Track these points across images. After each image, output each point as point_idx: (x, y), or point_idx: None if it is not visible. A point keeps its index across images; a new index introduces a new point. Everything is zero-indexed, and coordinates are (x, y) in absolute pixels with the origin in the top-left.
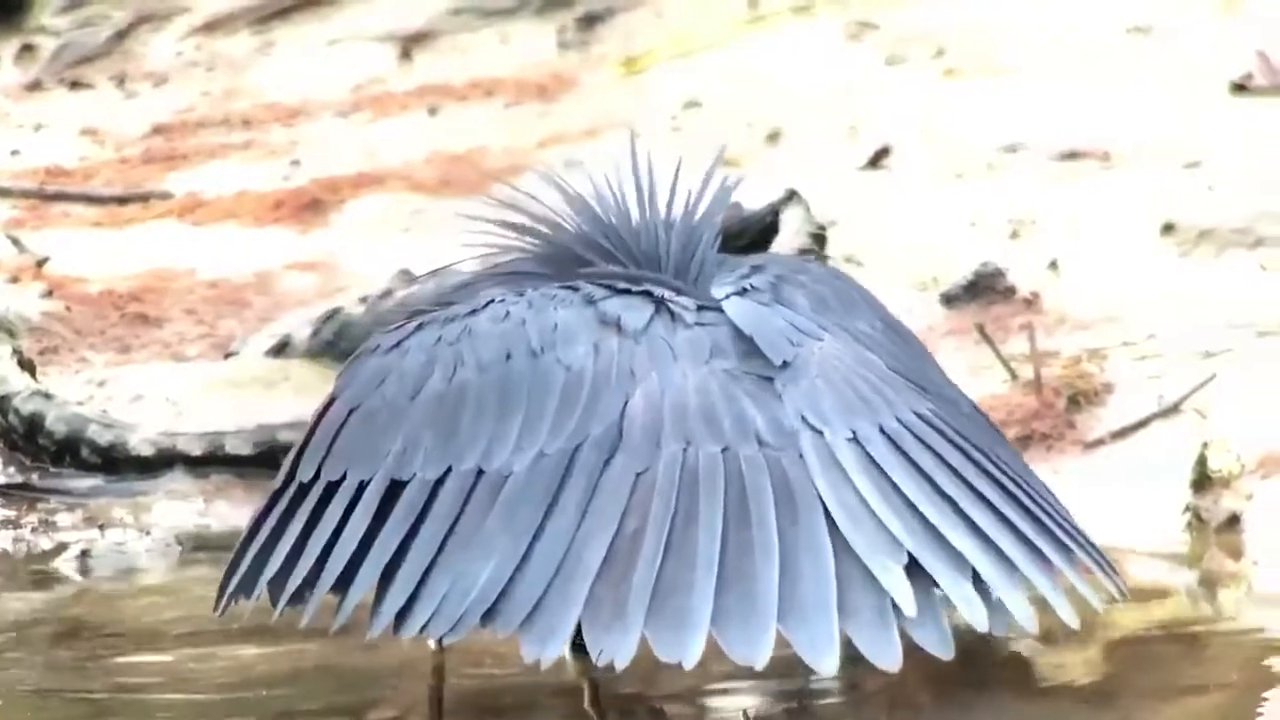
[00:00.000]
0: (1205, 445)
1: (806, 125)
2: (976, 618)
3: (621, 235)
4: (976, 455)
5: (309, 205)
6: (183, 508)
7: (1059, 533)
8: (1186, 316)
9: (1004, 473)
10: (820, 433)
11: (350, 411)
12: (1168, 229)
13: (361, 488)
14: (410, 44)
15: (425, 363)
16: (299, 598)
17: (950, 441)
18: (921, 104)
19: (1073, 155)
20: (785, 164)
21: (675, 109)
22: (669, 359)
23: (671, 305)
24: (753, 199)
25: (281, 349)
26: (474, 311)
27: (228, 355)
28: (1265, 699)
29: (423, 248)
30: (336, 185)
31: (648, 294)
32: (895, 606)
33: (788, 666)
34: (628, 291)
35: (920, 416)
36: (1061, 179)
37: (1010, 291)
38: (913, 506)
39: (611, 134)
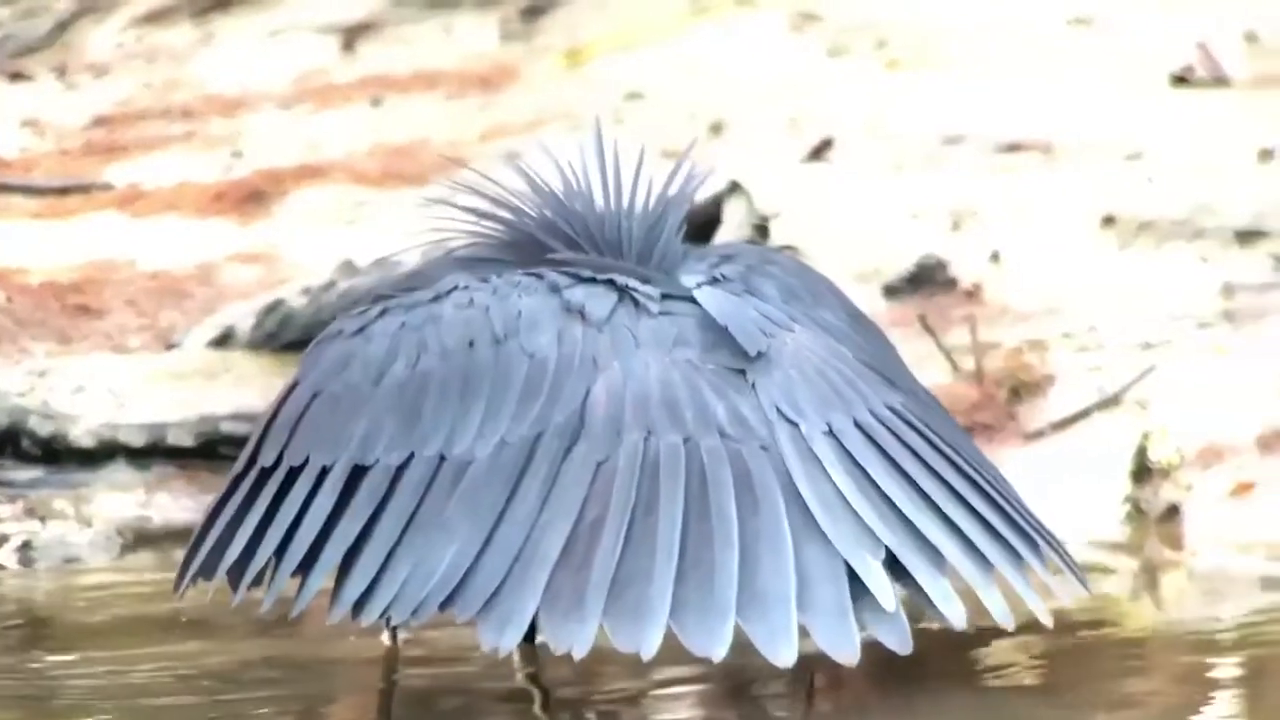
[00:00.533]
0: (1145, 436)
1: (749, 117)
2: (954, 614)
3: (585, 221)
4: (946, 449)
5: (251, 196)
6: (124, 499)
7: (1028, 529)
8: (1127, 308)
9: (972, 468)
10: (796, 425)
11: (313, 396)
12: (1108, 221)
13: (324, 473)
14: (353, 35)
15: (389, 348)
16: (259, 582)
17: (921, 435)
18: (864, 96)
19: (1014, 147)
20: (728, 155)
21: (618, 100)
22: (632, 348)
23: (635, 294)
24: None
25: (224, 340)
26: (438, 298)
27: (169, 347)
28: (1205, 689)
29: (365, 239)
30: (278, 176)
31: (611, 283)
32: (854, 600)
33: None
34: (592, 280)
35: (892, 410)
36: (1003, 171)
37: (952, 283)
38: (889, 501)
39: (554, 126)
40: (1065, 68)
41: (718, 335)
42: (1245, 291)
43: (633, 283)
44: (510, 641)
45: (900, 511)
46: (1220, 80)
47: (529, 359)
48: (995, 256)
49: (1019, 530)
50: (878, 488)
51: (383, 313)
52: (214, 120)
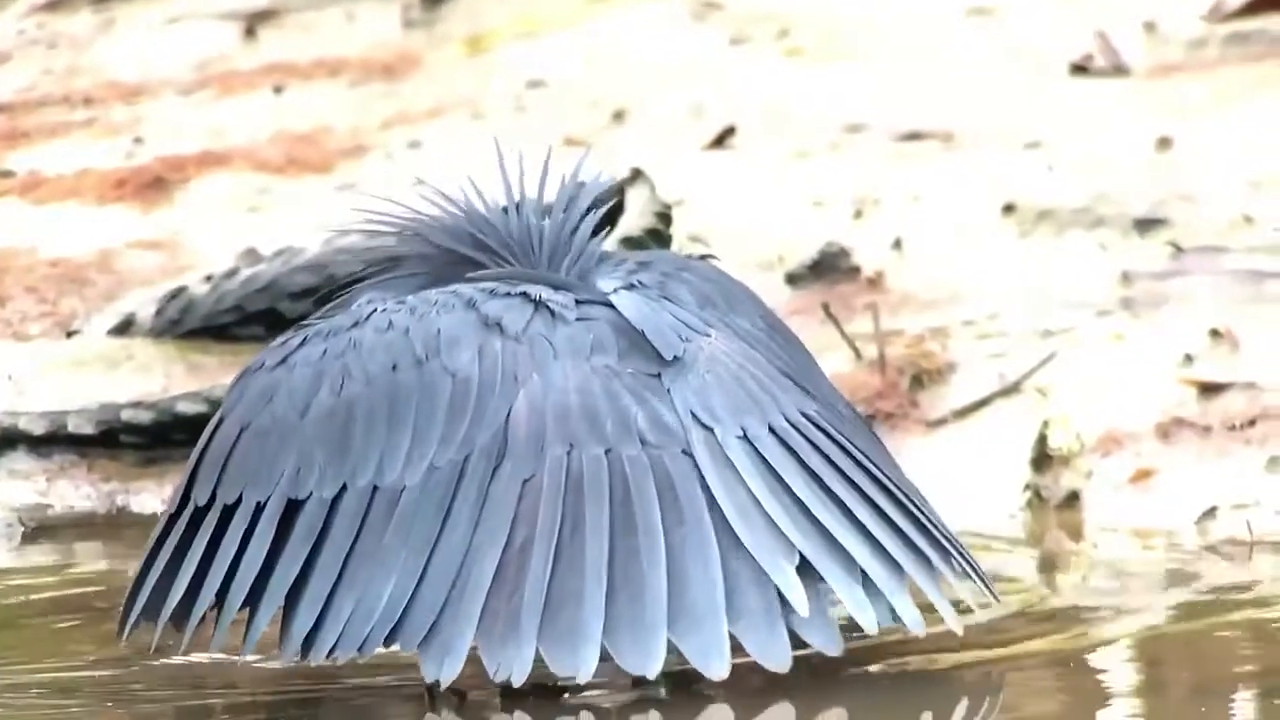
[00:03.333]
0: (1045, 424)
1: (651, 104)
2: (867, 620)
3: (496, 229)
4: (860, 457)
5: (152, 184)
6: (24, 487)
7: (939, 537)
8: (1027, 296)
9: (885, 475)
10: (711, 430)
11: (241, 430)
12: (1009, 209)
13: (259, 509)
14: (255, 21)
15: (313, 377)
16: (203, 622)
17: (835, 443)
18: (766, 84)
19: (915, 136)
20: (630, 143)
21: (520, 88)
22: (550, 358)
23: (550, 304)
24: (602, 174)
25: (125, 328)
26: (357, 323)
27: (70, 334)
28: (1105, 672)
29: (268, 226)
30: (180, 164)
31: (525, 294)
32: (784, 606)
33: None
34: (507, 293)
35: (806, 416)
36: (904, 159)
37: (854, 271)
38: (803, 506)
39: (456, 113)
40: (965, 57)
41: (634, 340)
42: (1144, 279)
43: (546, 292)
44: (450, 673)
45: (814, 517)
46: (1119, 69)
47: (452, 378)
48: (897, 244)
49: (930, 538)
50: (791, 493)
51: (303, 342)
52: (115, 107)
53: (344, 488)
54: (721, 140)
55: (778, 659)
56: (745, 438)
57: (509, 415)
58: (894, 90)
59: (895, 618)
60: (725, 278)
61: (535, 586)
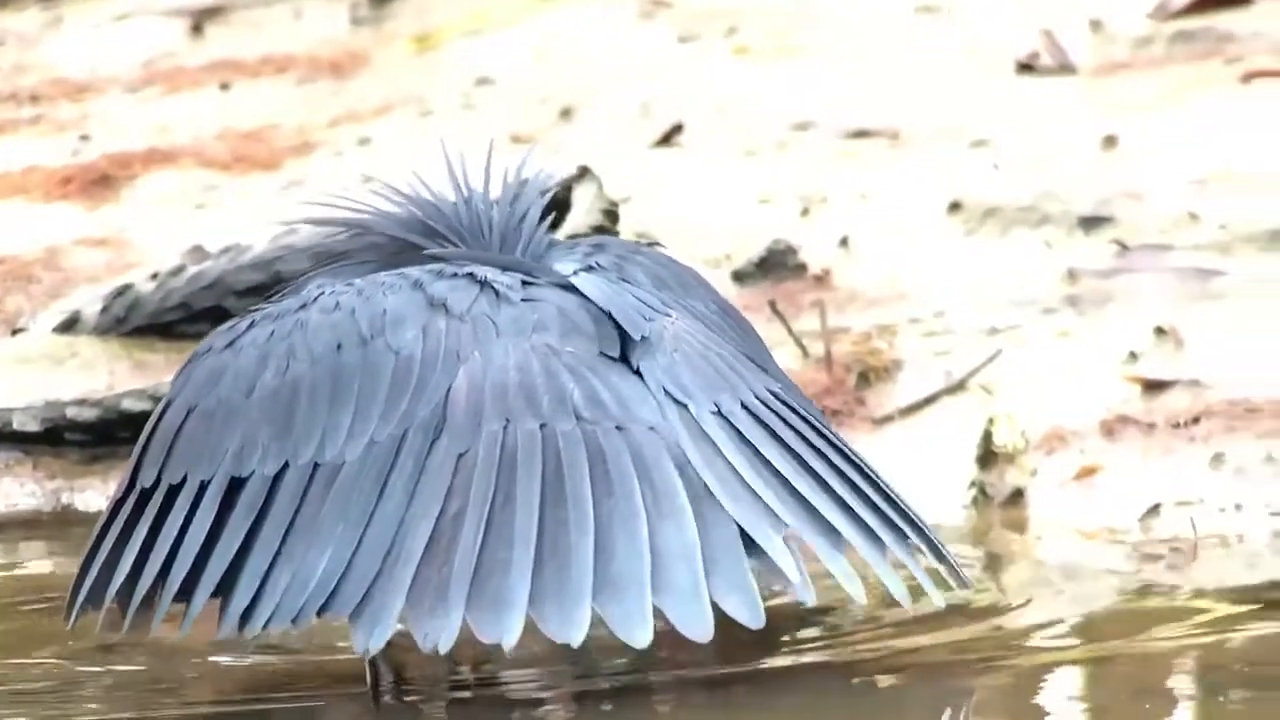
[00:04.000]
0: (991, 421)
1: (599, 102)
2: (855, 590)
3: (446, 217)
4: (827, 433)
5: (99, 181)
6: None
7: (911, 515)
8: (973, 294)
9: (851, 452)
10: (685, 406)
11: (188, 413)
12: (955, 207)
13: (202, 489)
14: (202, 19)
15: (259, 359)
16: (148, 604)
17: (803, 419)
18: (714, 82)
19: (862, 134)
20: (578, 141)
21: (468, 86)
22: (492, 336)
23: (495, 284)
24: (549, 170)
25: (71, 325)
26: (304, 305)
27: (15, 331)
28: (1048, 669)
29: (215, 224)
30: (127, 161)
31: (471, 275)
32: (708, 577)
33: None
34: (454, 274)
35: (773, 394)
36: (851, 157)
37: (801, 268)
38: (783, 479)
39: (404, 111)
40: (913, 55)
41: (576, 320)
42: (1089, 277)
43: (492, 273)
44: (378, 641)
45: (794, 489)
46: (1065, 68)
47: (395, 356)
48: (844, 242)
49: (903, 515)
50: (771, 466)
51: (250, 325)
52: (62, 104)
53: (285, 465)
54: (669, 138)
55: (700, 629)
56: (720, 413)
57: (449, 392)
58: (841, 88)
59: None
60: (675, 263)
61: (465, 556)
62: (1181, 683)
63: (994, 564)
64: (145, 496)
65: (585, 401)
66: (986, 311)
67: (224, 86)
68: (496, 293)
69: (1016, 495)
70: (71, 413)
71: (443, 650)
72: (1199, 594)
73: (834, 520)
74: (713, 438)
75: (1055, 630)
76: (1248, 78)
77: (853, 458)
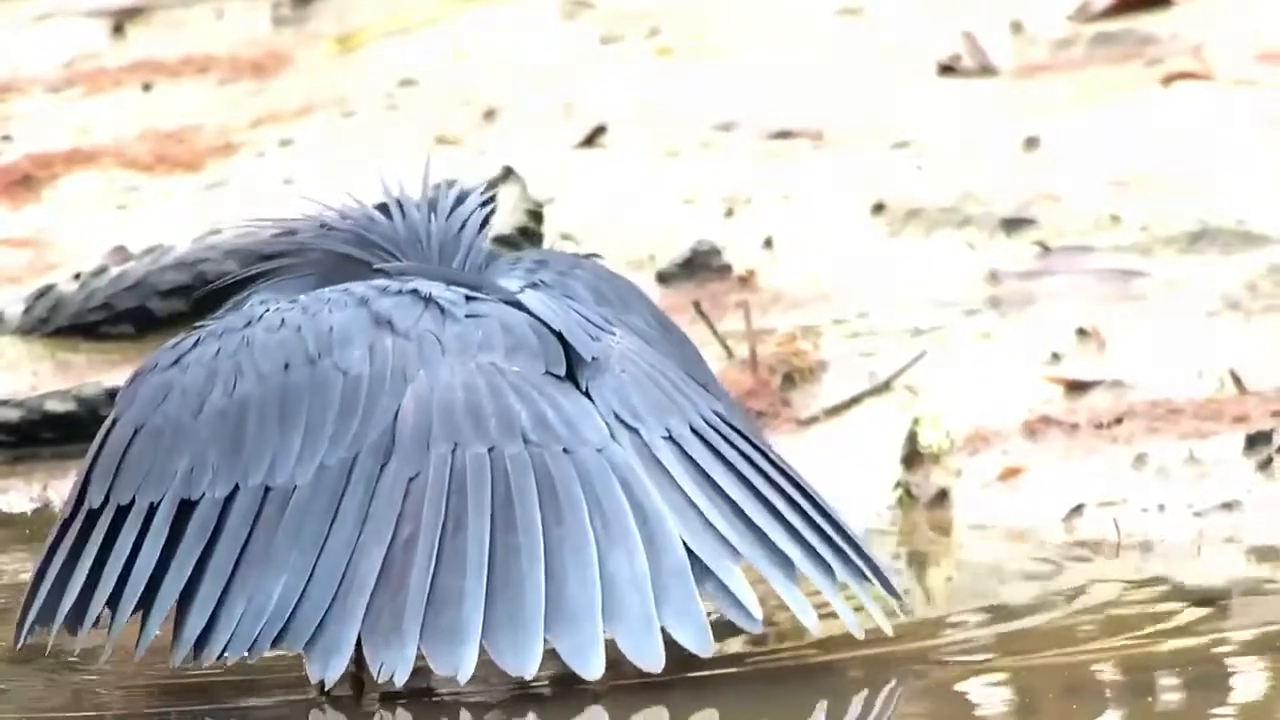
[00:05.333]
0: (915, 421)
1: (522, 103)
2: (809, 621)
3: (381, 227)
4: (771, 456)
5: (20, 181)
6: None
7: (856, 541)
8: (897, 294)
9: (794, 474)
10: (636, 430)
11: (135, 432)
12: (878, 208)
13: (152, 510)
14: (123, 19)
15: (206, 377)
16: (98, 625)
17: (748, 442)
18: (636, 83)
19: (785, 134)
20: (501, 142)
21: (391, 86)
22: (438, 355)
23: (439, 301)
24: (469, 177)
25: None
26: (249, 323)
27: None
28: (971, 673)
29: (137, 224)
30: (49, 161)
31: (415, 292)
32: (658, 605)
33: None
34: (398, 291)
35: (719, 416)
36: (774, 158)
37: (725, 269)
38: (736, 508)
39: (326, 112)
40: (835, 56)
41: (520, 337)
42: (1011, 278)
43: (437, 289)
44: (334, 672)
45: (747, 518)
46: (987, 69)
47: (343, 376)
48: (768, 243)
49: (847, 540)
50: (723, 493)
51: (196, 342)
52: None
53: (236, 488)
54: (592, 139)
55: (651, 659)
56: (671, 438)
57: (397, 413)
58: (764, 89)
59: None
60: (615, 277)
61: (418, 585)
62: (1107, 683)
63: (919, 565)
64: (93, 516)
65: (532, 423)
66: (910, 312)
67: (146, 87)
68: (441, 309)
69: (941, 496)
70: None
71: (399, 682)
72: (1123, 594)
73: (787, 550)
74: (665, 465)
75: (980, 631)
76: (1168, 80)
77: (797, 480)
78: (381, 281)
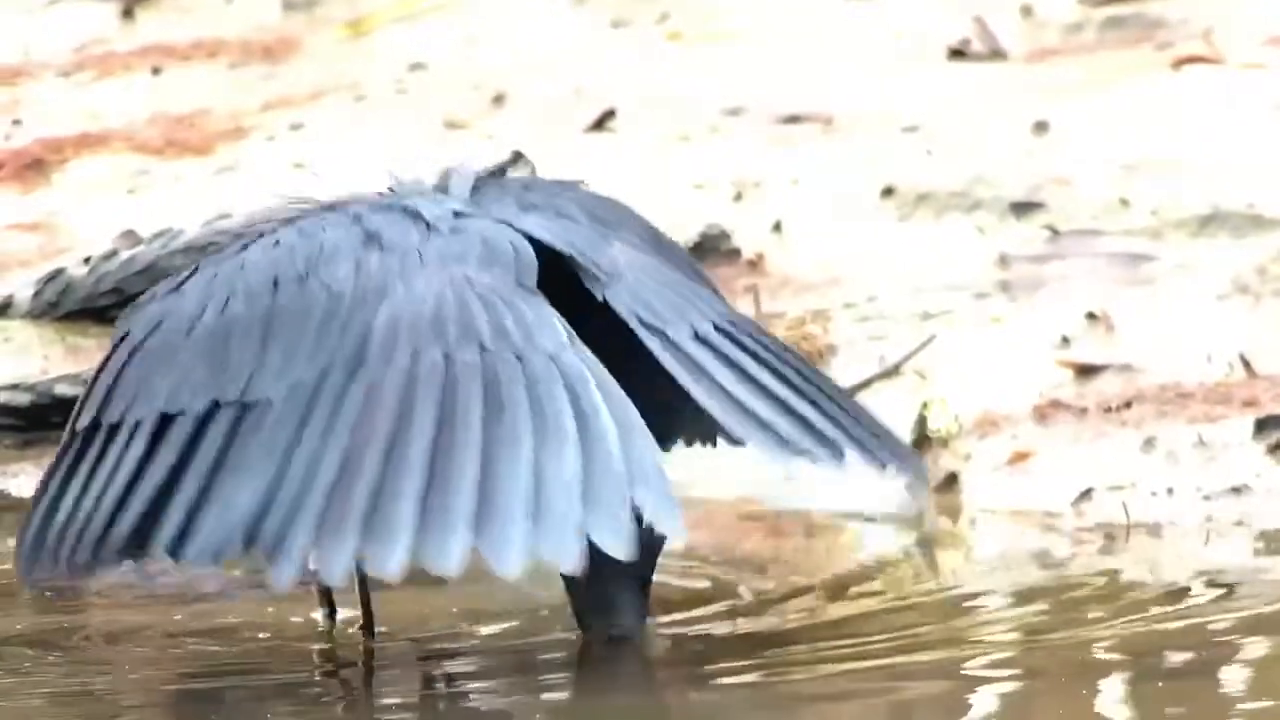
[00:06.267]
0: (925, 405)
1: (532, 87)
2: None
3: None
4: (789, 352)
5: (31, 165)
6: None
7: (886, 429)
8: (907, 278)
9: (814, 371)
10: (663, 332)
11: (130, 354)
12: (888, 192)
13: (138, 427)
14: (132, 3)
15: (200, 299)
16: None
17: (768, 340)
18: (646, 67)
19: (795, 119)
20: (511, 126)
21: (401, 71)
22: (417, 268)
23: (427, 216)
24: (479, 162)
25: (3, 310)
26: (247, 246)
27: None
28: (980, 654)
29: (147, 208)
30: (59, 145)
31: (405, 209)
32: (585, 508)
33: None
34: (388, 207)
35: (732, 318)
36: (784, 142)
37: (735, 254)
38: (776, 398)
39: (336, 96)
40: (845, 41)
41: (496, 250)
42: (1020, 262)
43: (426, 206)
44: (285, 577)
45: (791, 409)
46: (996, 53)
47: (327, 293)
48: (777, 227)
49: (882, 430)
50: (761, 386)
51: (195, 270)
52: None
53: (215, 403)
54: (602, 123)
55: (569, 561)
56: (699, 337)
57: (371, 326)
58: (774, 74)
59: None
60: (604, 197)
61: (363, 488)
62: (1115, 668)
63: (927, 548)
64: (87, 439)
65: (491, 332)
66: (920, 297)
67: (155, 71)
68: (428, 225)
69: (950, 480)
70: (4, 398)
71: (337, 583)
72: (1132, 579)
73: (835, 437)
74: (699, 361)
75: (988, 616)
76: (1178, 63)
77: (819, 375)
78: (378, 199)
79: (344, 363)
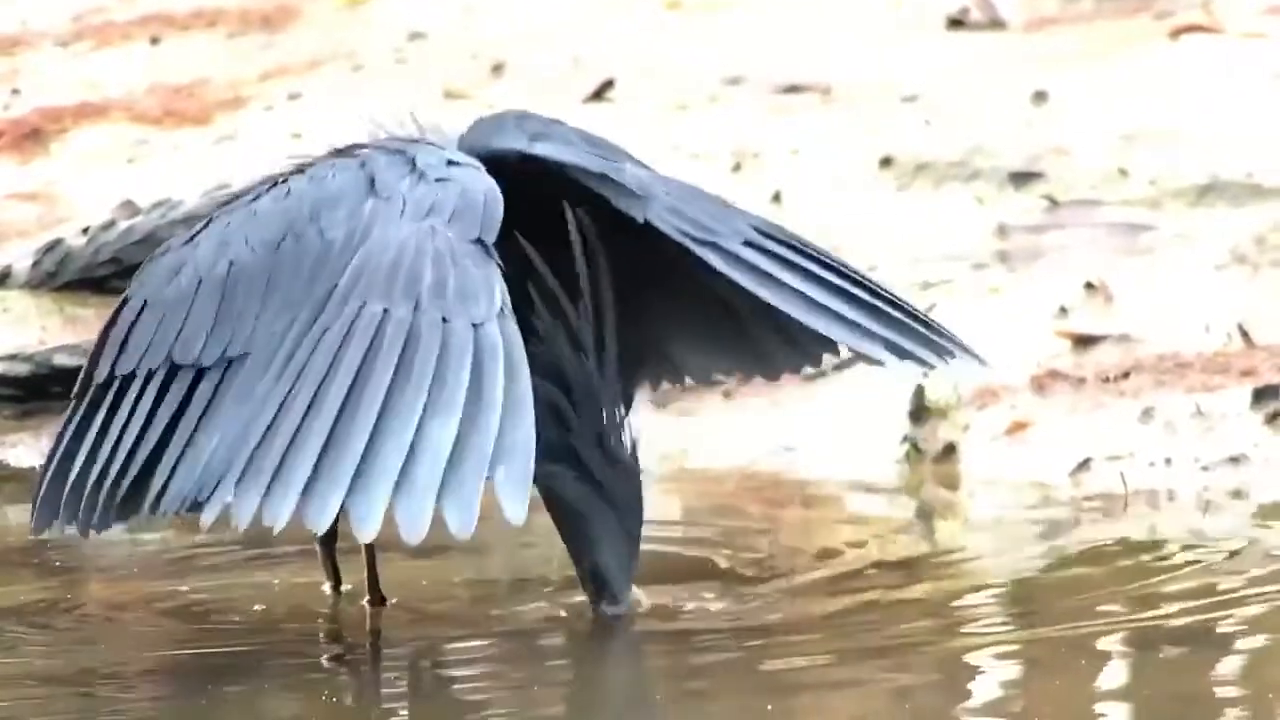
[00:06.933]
0: (923, 376)
1: (531, 57)
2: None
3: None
4: (831, 257)
5: (30, 135)
6: None
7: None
8: (905, 248)
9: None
10: (714, 243)
11: (144, 306)
12: (886, 162)
13: (149, 378)
14: None
15: (216, 249)
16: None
17: (806, 245)
18: (645, 37)
19: (793, 89)
20: (510, 96)
21: (400, 40)
22: (396, 217)
23: (421, 164)
24: None
25: (1, 280)
26: (258, 196)
27: None
28: (977, 622)
29: (146, 178)
30: (58, 115)
31: (402, 153)
32: (446, 479)
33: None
34: (389, 151)
35: (765, 224)
36: (782, 112)
37: None
38: (838, 290)
39: (334, 66)
40: (843, 10)
41: (469, 203)
42: (1019, 232)
43: (423, 153)
44: (207, 519)
45: (856, 299)
46: (995, 23)
47: (321, 239)
48: (777, 197)
49: (927, 320)
50: (824, 281)
51: (209, 222)
52: None
53: (220, 355)
54: (600, 93)
55: (414, 531)
56: (749, 243)
57: (343, 273)
58: (772, 44)
59: None
60: (589, 132)
61: (279, 440)
62: (1115, 638)
63: (926, 519)
64: (101, 391)
65: (431, 290)
66: (918, 267)
67: (154, 41)
68: (421, 174)
69: (949, 450)
70: (3, 368)
71: (238, 526)
72: (1129, 549)
73: (885, 325)
74: (758, 265)
75: (987, 585)
76: (1176, 33)
77: (863, 274)
78: (385, 139)
79: (311, 311)
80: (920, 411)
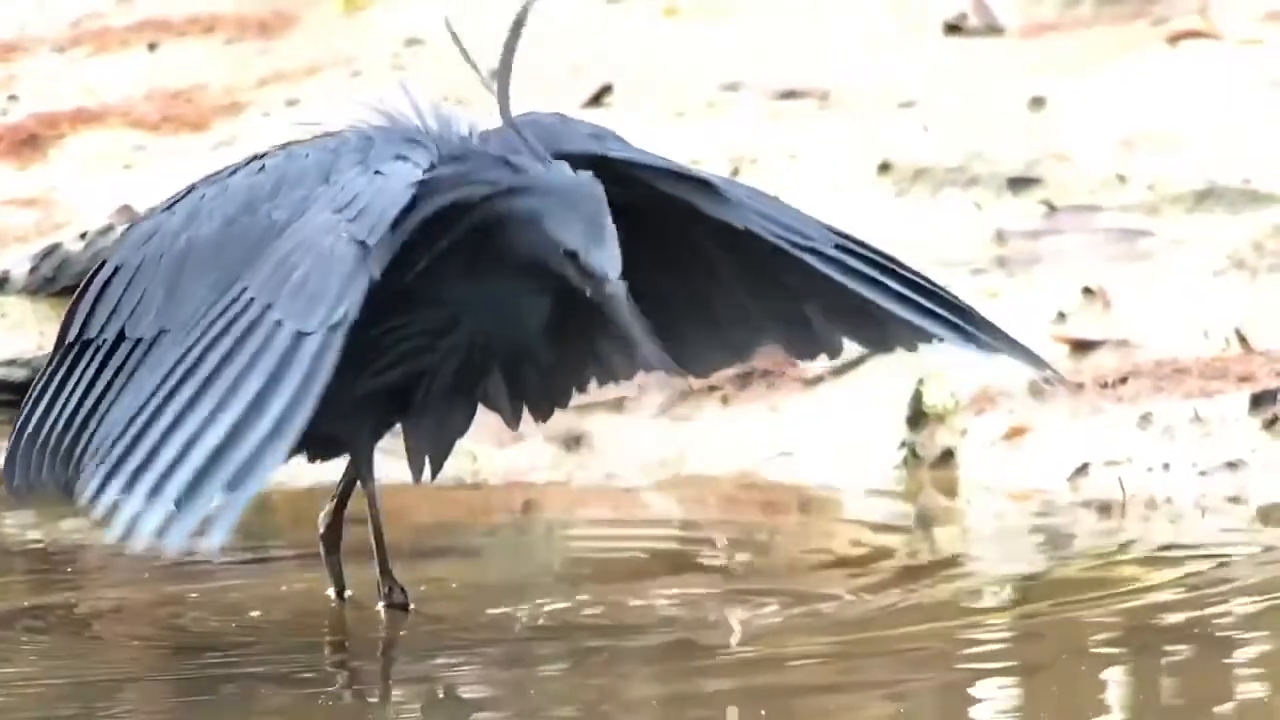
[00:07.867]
0: (921, 382)
1: (530, 63)
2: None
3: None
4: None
5: (27, 141)
6: None
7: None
8: (903, 254)
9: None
10: (813, 249)
11: (115, 270)
12: (884, 168)
13: (103, 345)
14: None
15: (183, 220)
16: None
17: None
18: (644, 43)
19: (791, 94)
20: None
21: (397, 46)
22: (326, 207)
23: (373, 154)
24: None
25: None
26: (237, 169)
27: None
28: (977, 628)
29: (143, 183)
30: (55, 121)
31: (370, 139)
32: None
33: None
34: (368, 137)
35: (832, 228)
36: (780, 118)
37: None
38: (925, 290)
39: (332, 72)
40: (841, 16)
41: (370, 203)
42: (1017, 238)
43: (382, 144)
44: (79, 502)
45: (939, 295)
46: (993, 29)
47: (268, 220)
48: None
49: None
50: (908, 280)
51: (190, 189)
52: None
53: (158, 331)
54: (599, 98)
55: (138, 542)
56: (841, 247)
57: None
58: (770, 49)
59: None
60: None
61: (120, 428)
62: (1112, 642)
63: (924, 524)
64: (66, 353)
65: (293, 290)
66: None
67: (151, 47)
68: (365, 165)
69: (946, 455)
70: (1, 373)
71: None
72: (1128, 554)
73: (965, 325)
74: (857, 268)
75: (986, 591)
76: (1174, 39)
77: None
78: (379, 124)
79: (220, 295)
80: (918, 417)
